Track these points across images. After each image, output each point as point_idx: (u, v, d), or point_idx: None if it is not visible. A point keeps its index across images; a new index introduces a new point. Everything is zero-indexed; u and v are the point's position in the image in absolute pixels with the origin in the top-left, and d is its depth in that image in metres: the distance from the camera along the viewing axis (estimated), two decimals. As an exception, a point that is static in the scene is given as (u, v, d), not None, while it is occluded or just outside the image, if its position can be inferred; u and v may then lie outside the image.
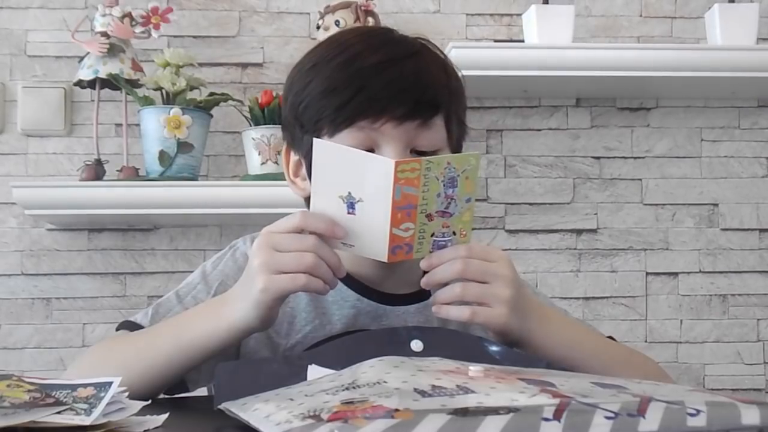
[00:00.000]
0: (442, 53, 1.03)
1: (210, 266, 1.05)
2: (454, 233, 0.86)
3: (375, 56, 0.96)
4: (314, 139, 0.87)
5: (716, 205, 2.08)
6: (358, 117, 0.94)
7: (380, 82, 0.94)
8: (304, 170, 1.02)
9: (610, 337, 1.07)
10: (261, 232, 0.87)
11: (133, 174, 1.86)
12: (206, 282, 1.03)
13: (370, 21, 1.90)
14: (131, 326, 0.99)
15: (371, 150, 0.94)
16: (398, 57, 0.97)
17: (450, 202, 0.84)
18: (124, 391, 0.64)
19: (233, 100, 1.91)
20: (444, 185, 0.83)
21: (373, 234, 0.84)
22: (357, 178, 0.84)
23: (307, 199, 1.03)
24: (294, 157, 1.03)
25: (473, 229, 0.88)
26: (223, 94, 1.88)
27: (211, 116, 1.89)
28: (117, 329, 1.01)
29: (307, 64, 1.00)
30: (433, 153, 0.96)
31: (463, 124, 1.03)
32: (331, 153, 0.86)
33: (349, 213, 0.85)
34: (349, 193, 0.84)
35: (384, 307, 0.99)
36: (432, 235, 0.85)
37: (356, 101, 0.93)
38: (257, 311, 0.85)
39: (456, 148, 1.02)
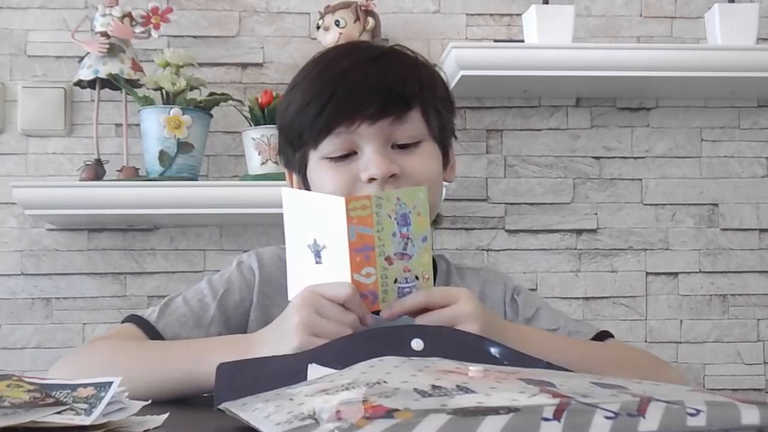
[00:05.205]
0: (413, 52, 1.07)
1: (216, 276, 1.08)
2: (417, 278, 0.85)
3: (341, 64, 1.01)
4: (282, 189, 0.91)
5: (716, 205, 2.08)
6: (334, 124, 0.98)
7: (348, 87, 0.98)
8: (304, 189, 1.06)
9: (606, 332, 1.08)
10: (306, 289, 0.86)
11: (133, 174, 1.86)
12: (212, 288, 1.05)
13: (370, 21, 1.90)
14: (139, 321, 1.01)
15: (353, 153, 0.99)
16: (363, 61, 1.01)
17: (407, 242, 0.84)
18: (124, 391, 0.64)
19: (233, 100, 1.91)
20: (398, 223, 0.83)
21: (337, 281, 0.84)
22: (319, 223, 0.85)
23: None
24: (296, 178, 1.08)
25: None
26: (223, 94, 1.88)
27: (211, 116, 1.89)
28: (123, 322, 1.03)
29: (289, 87, 1.06)
30: (415, 144, 1.00)
31: (443, 114, 1.06)
32: (295, 199, 0.89)
33: (317, 263, 0.86)
34: (315, 240, 0.86)
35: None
36: (395, 282, 0.84)
37: (329, 109, 0.98)
38: None
39: (440, 138, 1.05)
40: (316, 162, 1.01)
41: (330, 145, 0.99)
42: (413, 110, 1.00)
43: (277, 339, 0.85)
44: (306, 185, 1.05)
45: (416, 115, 1.01)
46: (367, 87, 0.99)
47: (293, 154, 1.05)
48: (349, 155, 0.99)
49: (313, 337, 0.82)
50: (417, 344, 0.78)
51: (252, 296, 1.05)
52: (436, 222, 1.10)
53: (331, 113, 0.98)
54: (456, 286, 1.08)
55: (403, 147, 1.00)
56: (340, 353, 0.75)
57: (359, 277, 0.83)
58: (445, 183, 1.11)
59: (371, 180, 0.97)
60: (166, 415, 0.65)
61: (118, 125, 1.94)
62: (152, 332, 1.00)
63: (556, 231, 2.05)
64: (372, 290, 0.84)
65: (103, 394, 0.61)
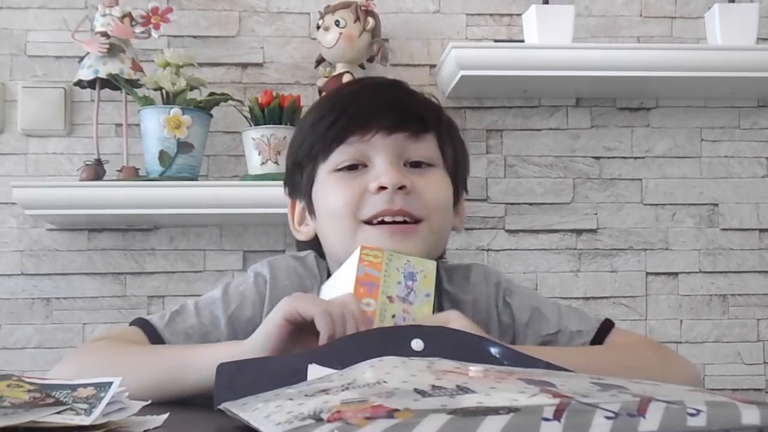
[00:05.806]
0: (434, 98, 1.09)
1: (233, 286, 1.05)
2: (414, 320, 0.87)
3: (357, 85, 1.05)
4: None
5: (716, 205, 2.08)
6: (347, 133, 0.97)
7: (364, 101, 0.99)
8: (308, 216, 1.05)
9: (608, 321, 1.05)
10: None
11: (133, 174, 1.86)
12: (226, 300, 1.03)
13: (370, 21, 1.90)
14: (145, 325, 1.00)
15: (364, 165, 0.98)
16: (378, 85, 1.05)
17: (410, 292, 0.88)
18: (124, 391, 0.64)
19: (233, 100, 1.91)
20: (404, 276, 0.88)
21: None
22: (340, 282, 0.91)
23: (309, 243, 1.07)
24: (299, 206, 1.06)
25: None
26: (223, 94, 1.88)
27: (211, 116, 1.89)
28: (130, 325, 1.02)
29: (303, 114, 1.10)
30: (429, 166, 0.99)
31: (458, 152, 1.05)
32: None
33: None
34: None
35: None
36: (393, 316, 0.86)
37: (343, 118, 0.98)
38: (266, 332, 0.84)
39: (453, 171, 1.04)
40: (324, 177, 0.99)
41: (341, 154, 0.97)
42: (429, 133, 0.99)
43: (264, 324, 0.85)
44: (310, 207, 1.04)
45: (432, 139, 1.00)
46: (384, 101, 0.99)
47: (300, 176, 1.03)
48: (358, 167, 0.98)
49: (296, 311, 0.82)
50: (417, 344, 0.78)
51: (263, 312, 1.02)
52: (443, 259, 1.09)
53: (346, 123, 0.97)
54: (447, 293, 1.05)
55: (415, 166, 0.98)
56: (340, 353, 0.75)
57: (359, 304, 0.86)
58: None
59: (381, 189, 0.95)
60: (166, 415, 0.65)
61: (118, 125, 1.94)
62: (157, 339, 0.98)
63: (556, 231, 2.05)
64: (369, 317, 0.86)
65: (103, 394, 0.61)
